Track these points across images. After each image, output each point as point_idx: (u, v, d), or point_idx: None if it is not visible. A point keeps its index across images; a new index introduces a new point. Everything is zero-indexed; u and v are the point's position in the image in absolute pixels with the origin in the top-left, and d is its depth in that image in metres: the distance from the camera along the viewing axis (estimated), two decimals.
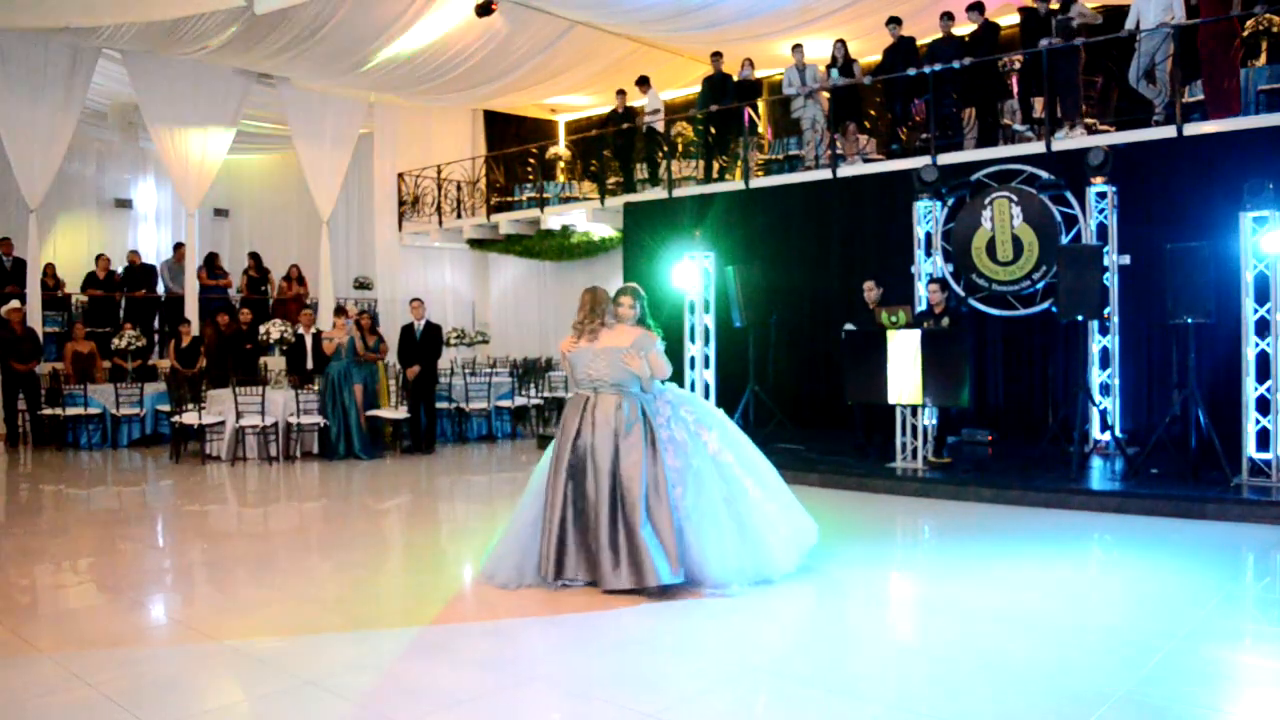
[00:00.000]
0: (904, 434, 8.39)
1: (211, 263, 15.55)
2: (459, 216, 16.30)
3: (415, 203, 16.54)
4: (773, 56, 13.64)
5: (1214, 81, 8.95)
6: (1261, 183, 7.08)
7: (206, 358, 12.36)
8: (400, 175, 16.63)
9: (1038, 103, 10.15)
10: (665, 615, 4.62)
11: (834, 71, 11.76)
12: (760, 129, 13.82)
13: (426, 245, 16.98)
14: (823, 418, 10.96)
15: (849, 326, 9.05)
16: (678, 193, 12.66)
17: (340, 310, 11.43)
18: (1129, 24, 9.51)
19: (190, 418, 10.49)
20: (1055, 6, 9.88)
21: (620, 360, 5.06)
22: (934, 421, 8.61)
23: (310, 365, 11.17)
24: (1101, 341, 9.10)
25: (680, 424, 5.17)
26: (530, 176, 16.18)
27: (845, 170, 11.19)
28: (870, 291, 9.45)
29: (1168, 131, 8.98)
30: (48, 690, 3.80)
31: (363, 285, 16.53)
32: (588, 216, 14.66)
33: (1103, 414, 8.88)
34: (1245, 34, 9.24)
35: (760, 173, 12.59)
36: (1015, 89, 10.69)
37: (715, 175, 12.68)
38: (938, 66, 10.39)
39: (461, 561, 6.43)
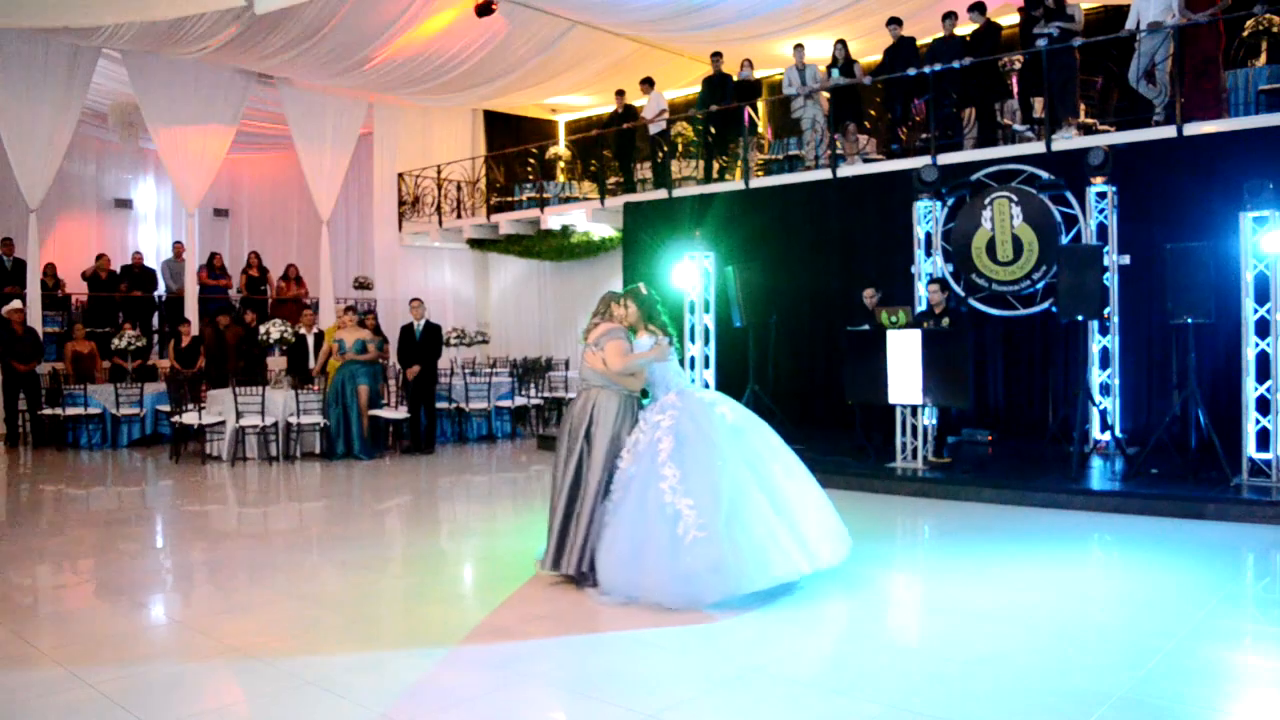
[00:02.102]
0: (904, 434, 8.39)
1: (213, 263, 15.55)
2: (459, 216, 16.30)
3: (415, 203, 16.54)
4: (773, 56, 13.64)
5: (1198, 83, 8.96)
6: (1261, 183, 7.08)
7: (206, 358, 12.36)
8: (400, 175, 16.63)
9: (1037, 103, 10.15)
10: (665, 615, 4.62)
11: (834, 71, 11.76)
12: (760, 129, 13.82)
13: (426, 245, 16.98)
14: (823, 418, 10.97)
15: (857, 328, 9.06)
16: (678, 193, 12.67)
17: (350, 308, 11.35)
18: (1129, 24, 9.51)
19: (190, 418, 10.49)
20: (1038, 14, 9.89)
21: (585, 358, 5.29)
22: (934, 421, 8.61)
23: (310, 365, 11.16)
24: (1101, 341, 9.10)
25: (650, 428, 5.03)
26: (530, 176, 16.18)
27: (845, 170, 11.19)
28: (870, 298, 9.47)
29: (1168, 131, 8.98)
30: (48, 690, 3.80)
31: (363, 285, 16.54)
32: (588, 216, 14.66)
33: (1103, 414, 8.88)
34: (1245, 34, 9.24)
35: (760, 173, 12.59)
36: (1015, 89, 10.70)
37: (715, 175, 12.68)
38: (938, 66, 10.39)
39: (461, 561, 6.43)
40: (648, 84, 13.42)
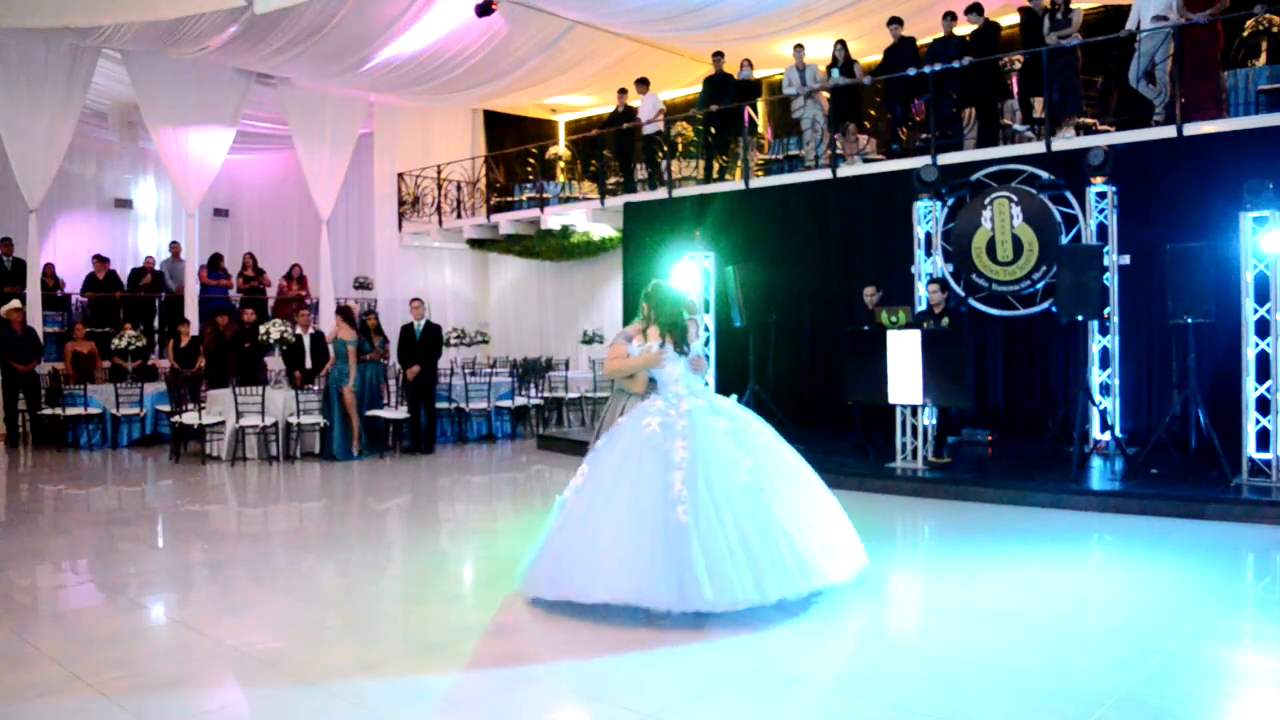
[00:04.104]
0: (904, 434, 8.39)
1: (215, 263, 15.56)
2: (459, 216, 16.30)
3: (415, 203, 16.54)
4: (773, 56, 13.64)
5: (1198, 83, 8.97)
6: (1261, 183, 7.08)
7: (206, 358, 12.35)
8: (400, 175, 16.63)
9: (1038, 103, 10.15)
10: (665, 615, 4.61)
11: (834, 71, 11.76)
12: (760, 129, 13.82)
13: (426, 245, 16.98)
14: (823, 418, 10.96)
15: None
16: (678, 193, 12.66)
17: (339, 311, 11.30)
18: (1129, 24, 9.51)
19: (190, 418, 10.48)
20: (1047, 4, 9.91)
21: None
22: (934, 421, 8.61)
23: (309, 365, 11.15)
24: (1101, 341, 9.10)
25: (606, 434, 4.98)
26: (530, 176, 16.18)
27: (845, 170, 11.19)
28: (871, 296, 9.46)
29: (1168, 131, 8.98)
30: (48, 690, 3.80)
31: (363, 285, 16.54)
32: (588, 216, 14.66)
33: (1103, 414, 8.88)
34: (1245, 34, 9.24)
35: (760, 173, 12.59)
36: (1015, 89, 10.70)
37: (715, 175, 12.68)
38: (938, 66, 10.39)
39: (461, 561, 6.43)
40: (643, 84, 13.40)
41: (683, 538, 4.40)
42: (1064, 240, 9.19)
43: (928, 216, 9.67)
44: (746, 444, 4.85)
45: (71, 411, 11.64)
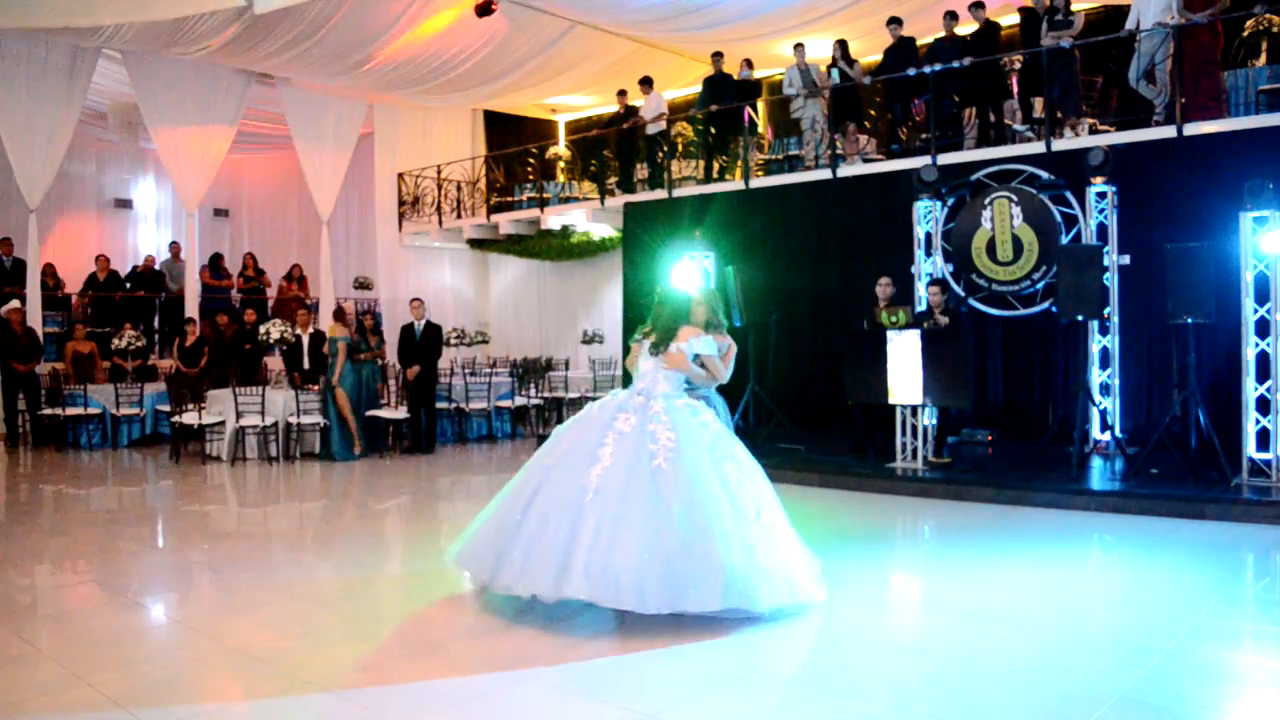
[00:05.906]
0: (904, 434, 8.39)
1: (216, 263, 15.56)
2: (459, 216, 16.30)
3: (415, 203, 16.55)
4: (773, 56, 13.64)
5: (1198, 83, 8.97)
6: (1261, 183, 7.08)
7: (208, 357, 12.36)
8: (400, 175, 16.63)
9: (1038, 103, 10.15)
10: (664, 615, 4.61)
11: (834, 72, 11.76)
12: (760, 129, 13.82)
13: (426, 245, 16.98)
14: (823, 418, 10.95)
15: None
16: (678, 193, 12.66)
17: (339, 313, 11.32)
18: (1129, 24, 9.51)
19: (190, 418, 10.48)
20: (1048, 4, 9.92)
21: None
22: (934, 421, 8.60)
23: (308, 365, 11.15)
24: (1101, 341, 9.10)
25: None
26: (530, 176, 16.18)
27: (845, 170, 11.19)
28: (885, 288, 9.29)
29: (1168, 131, 8.97)
30: (48, 690, 3.80)
31: (363, 285, 16.54)
32: (588, 216, 14.66)
33: (1103, 414, 8.88)
34: (1245, 34, 9.25)
35: (760, 173, 12.59)
36: (1015, 89, 10.70)
37: (715, 175, 12.68)
38: (938, 66, 10.40)
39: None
40: (646, 84, 13.40)
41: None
42: (1064, 240, 9.19)
43: (928, 216, 9.67)
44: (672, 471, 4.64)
45: (71, 411, 11.64)
